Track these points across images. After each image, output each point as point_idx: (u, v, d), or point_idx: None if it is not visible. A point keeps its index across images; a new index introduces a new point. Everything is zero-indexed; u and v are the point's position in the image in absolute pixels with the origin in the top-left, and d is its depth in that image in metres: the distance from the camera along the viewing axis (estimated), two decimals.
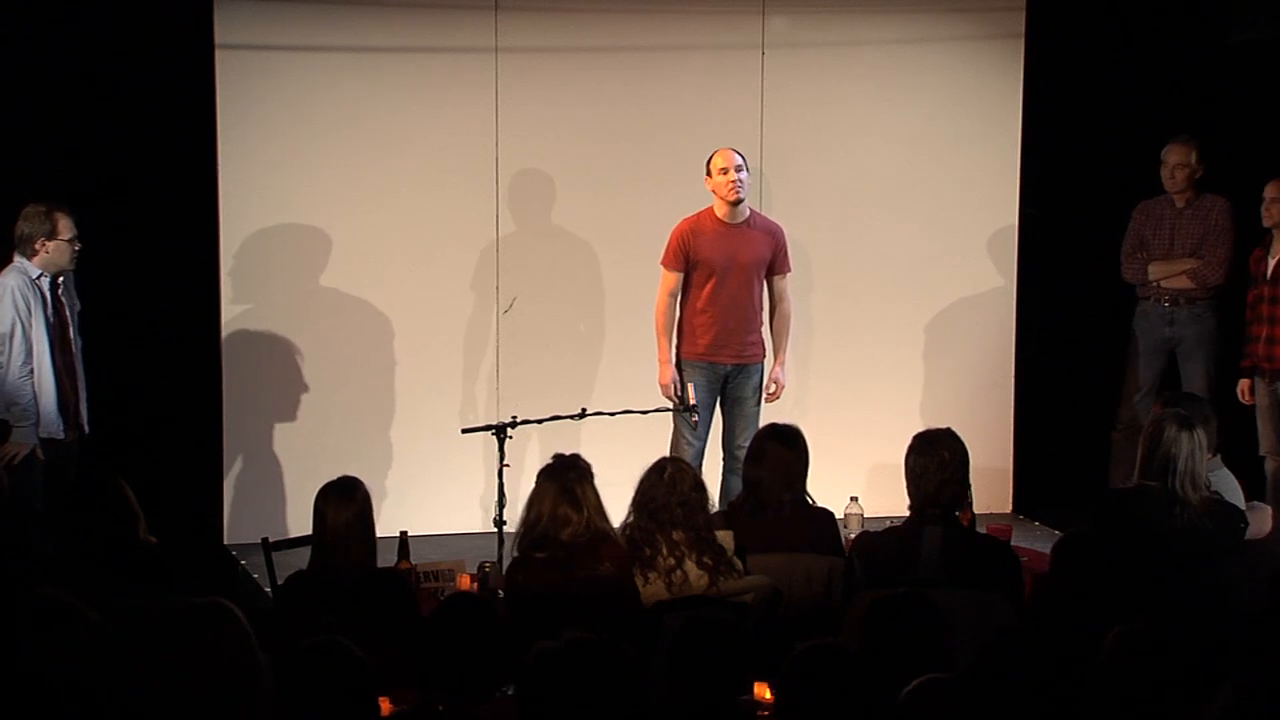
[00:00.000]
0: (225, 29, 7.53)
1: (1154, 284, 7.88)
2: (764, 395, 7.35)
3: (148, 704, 2.95)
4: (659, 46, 8.07)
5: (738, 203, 7.18)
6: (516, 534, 5.03)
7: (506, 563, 5.89)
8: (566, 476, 4.96)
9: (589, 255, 8.09)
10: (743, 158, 7.18)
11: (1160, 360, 7.93)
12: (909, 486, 5.18)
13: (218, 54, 7.52)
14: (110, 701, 3.08)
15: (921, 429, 5.42)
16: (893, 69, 8.29)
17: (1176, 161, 7.79)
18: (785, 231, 7.41)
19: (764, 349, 7.37)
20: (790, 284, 7.43)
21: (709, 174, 7.20)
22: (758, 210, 7.51)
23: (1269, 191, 7.35)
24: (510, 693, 3.85)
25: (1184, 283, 7.82)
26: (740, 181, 7.15)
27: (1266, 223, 7.38)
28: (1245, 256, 7.66)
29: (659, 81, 8.08)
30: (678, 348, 7.31)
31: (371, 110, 7.78)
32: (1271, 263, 7.39)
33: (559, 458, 5.07)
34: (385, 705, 3.98)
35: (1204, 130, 7.92)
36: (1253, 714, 3.21)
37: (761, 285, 7.33)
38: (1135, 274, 7.94)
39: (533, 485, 5.07)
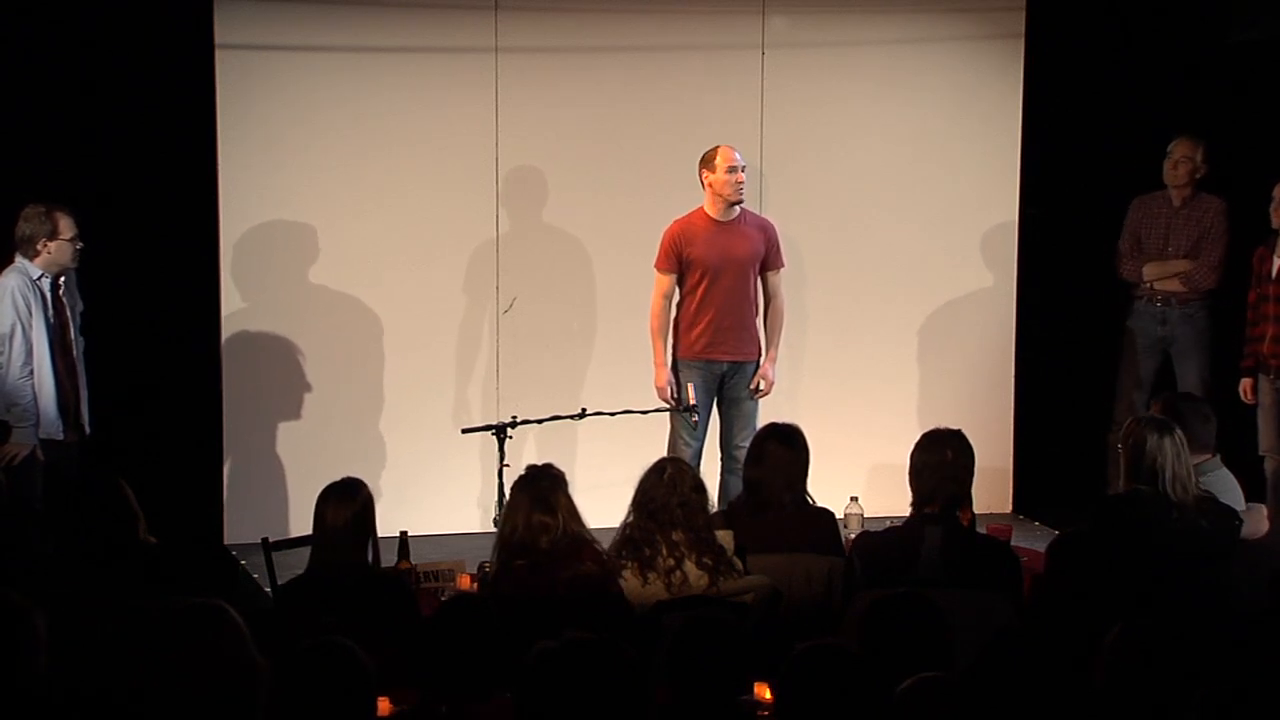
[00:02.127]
0: (225, 29, 7.53)
1: (1147, 284, 7.90)
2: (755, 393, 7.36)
3: (141, 704, 2.94)
4: (659, 46, 8.07)
5: (739, 202, 7.19)
6: (494, 547, 5.04)
7: None
8: (539, 485, 4.98)
9: (589, 255, 8.09)
10: (739, 156, 7.21)
11: (1154, 360, 7.95)
12: (912, 483, 5.19)
13: (218, 54, 7.52)
14: (103, 701, 3.08)
15: (921, 429, 5.42)
16: (893, 69, 8.29)
17: (1182, 155, 7.82)
18: (776, 227, 7.41)
19: (760, 347, 7.37)
20: (783, 280, 7.43)
21: (710, 169, 7.19)
22: (751, 209, 7.49)
23: (1277, 192, 7.33)
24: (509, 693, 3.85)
25: (1176, 285, 7.84)
26: (743, 183, 7.17)
27: (1276, 224, 7.36)
28: (1240, 257, 7.66)
29: (659, 81, 8.08)
30: (674, 348, 7.31)
31: (371, 110, 7.78)
32: (1277, 262, 7.38)
33: (531, 468, 5.10)
34: (385, 705, 3.98)
35: (1204, 130, 7.92)
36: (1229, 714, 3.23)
37: (756, 282, 7.32)
38: (1132, 273, 7.96)
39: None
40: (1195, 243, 7.82)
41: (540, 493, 4.96)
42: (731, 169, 7.15)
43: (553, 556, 4.86)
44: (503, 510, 5.06)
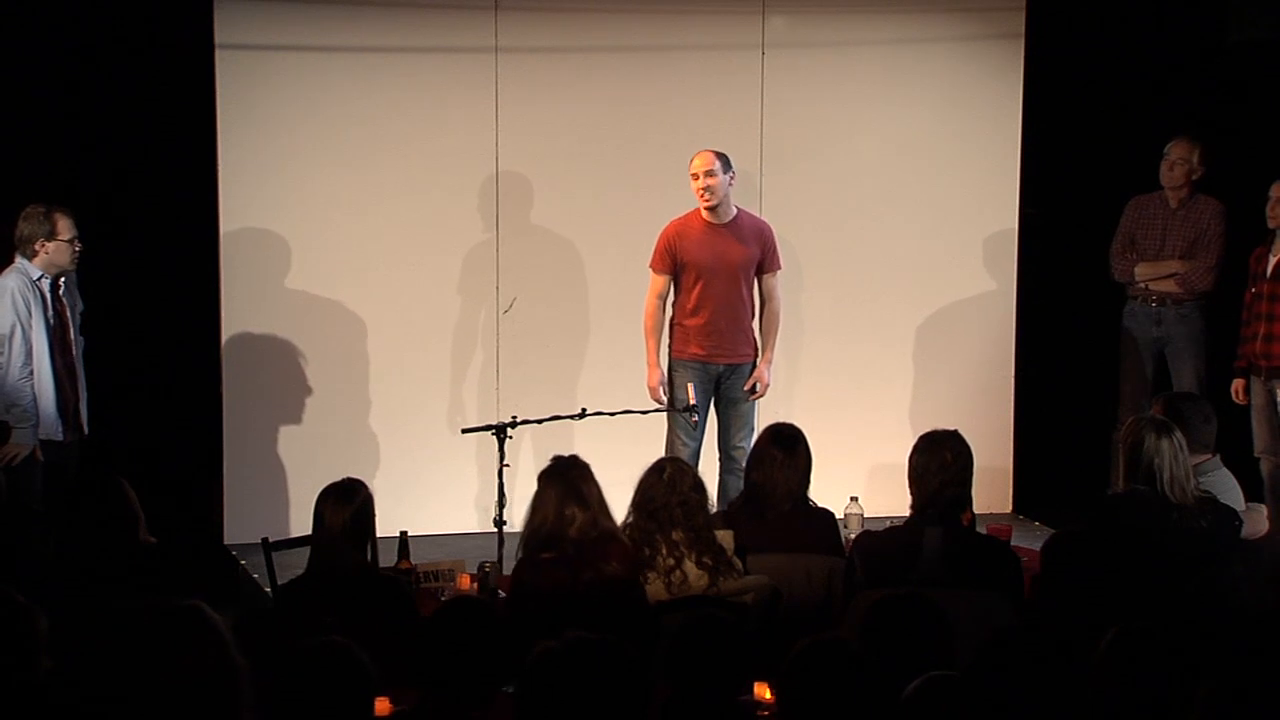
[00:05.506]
0: (225, 29, 7.53)
1: (1141, 285, 7.90)
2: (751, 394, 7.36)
3: (121, 706, 2.93)
4: (659, 46, 8.07)
5: (712, 208, 7.17)
6: (521, 537, 5.01)
7: (507, 563, 5.91)
8: (570, 475, 4.95)
9: (589, 255, 8.09)
10: (722, 160, 7.13)
11: (1150, 360, 7.94)
12: (911, 486, 5.19)
13: (218, 54, 7.52)
14: (89, 702, 3.07)
15: (922, 429, 5.42)
16: (893, 69, 8.29)
17: (1179, 156, 7.80)
18: (774, 229, 7.40)
19: (756, 349, 7.37)
20: (780, 282, 7.42)
21: None
22: (748, 210, 7.48)
23: (1274, 192, 7.33)
24: (510, 691, 3.85)
25: (1170, 286, 7.84)
26: (708, 189, 7.13)
27: (1271, 224, 7.35)
28: (1237, 257, 7.66)
29: (659, 82, 8.08)
30: (670, 349, 7.31)
31: (371, 110, 7.78)
32: (1272, 261, 7.37)
33: (558, 459, 5.06)
34: (385, 705, 3.98)
35: (1204, 130, 7.92)
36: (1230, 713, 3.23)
37: (751, 284, 7.31)
38: (1123, 273, 7.96)
39: (531, 486, 5.06)
40: (1191, 244, 7.82)
41: (572, 483, 4.91)
42: (695, 175, 7.15)
43: (580, 550, 4.83)
44: (532, 501, 4.97)
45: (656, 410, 7.12)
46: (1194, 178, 7.83)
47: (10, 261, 6.63)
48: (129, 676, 2.92)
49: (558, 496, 4.89)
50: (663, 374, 7.29)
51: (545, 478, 4.99)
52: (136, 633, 2.97)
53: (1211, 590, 5.07)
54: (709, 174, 7.11)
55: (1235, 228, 7.75)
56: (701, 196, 7.15)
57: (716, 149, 7.20)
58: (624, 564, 4.90)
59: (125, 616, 3.00)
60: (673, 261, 7.24)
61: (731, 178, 7.20)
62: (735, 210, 7.29)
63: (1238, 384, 7.53)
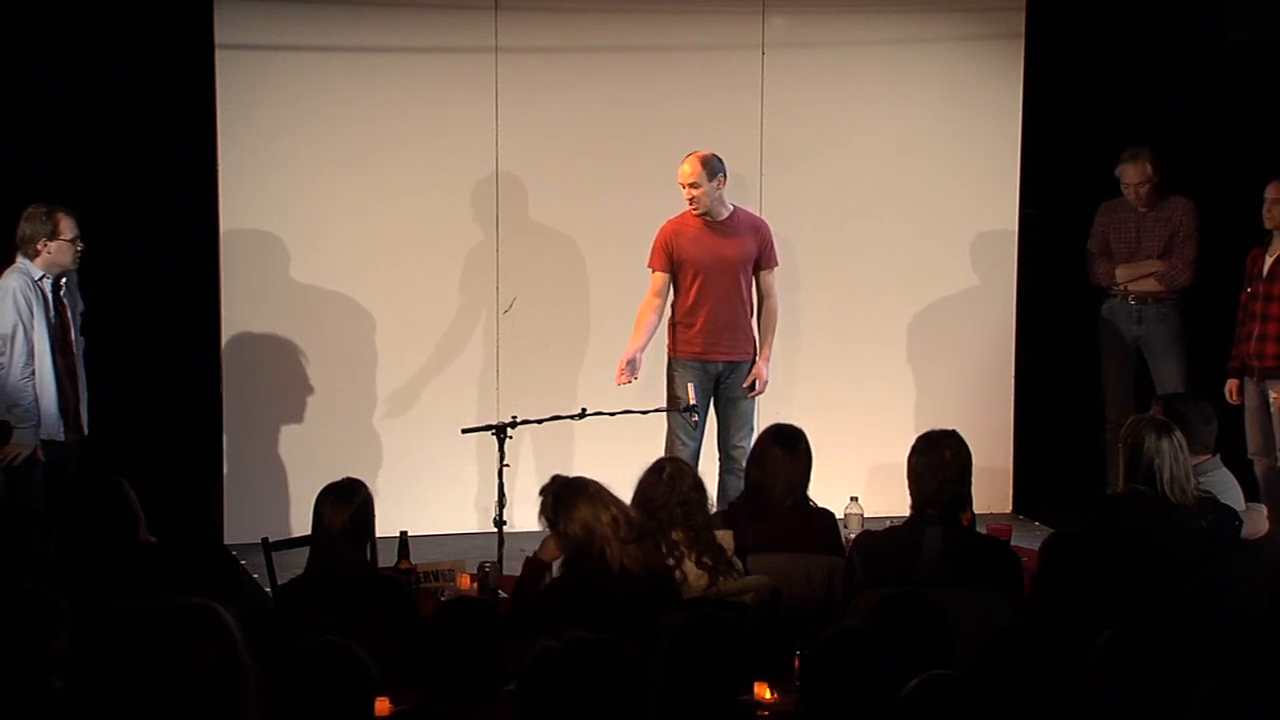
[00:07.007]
0: (225, 29, 7.53)
1: (1121, 286, 7.91)
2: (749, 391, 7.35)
3: (131, 705, 2.93)
4: (659, 46, 8.07)
5: (703, 214, 7.17)
6: (565, 559, 4.94)
7: (507, 563, 5.91)
8: (579, 485, 4.92)
9: (588, 255, 8.09)
10: (708, 168, 7.09)
11: (1130, 359, 7.96)
12: (911, 486, 5.19)
13: (218, 54, 7.52)
14: (96, 701, 3.08)
15: (922, 429, 5.43)
16: (893, 69, 8.29)
17: (1136, 180, 7.84)
18: (771, 227, 7.40)
19: (755, 346, 7.36)
20: (777, 279, 7.42)
21: None
22: (748, 208, 7.48)
23: (1270, 193, 7.34)
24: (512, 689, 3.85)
25: (1151, 285, 7.86)
26: (692, 199, 7.13)
27: (1268, 224, 7.36)
28: (1232, 257, 7.66)
29: (659, 82, 8.08)
30: (670, 348, 7.31)
31: (371, 110, 7.78)
32: (1268, 261, 7.38)
33: (556, 486, 4.97)
34: (385, 705, 3.98)
35: (1203, 130, 7.92)
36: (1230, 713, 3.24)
37: (749, 282, 7.31)
38: (1104, 277, 7.97)
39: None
40: (1166, 243, 7.85)
41: (586, 491, 4.88)
42: (681, 185, 7.15)
43: (634, 538, 4.83)
44: (561, 528, 4.90)
45: (656, 410, 7.12)
46: (1156, 184, 7.84)
47: (11, 261, 6.63)
48: (142, 675, 2.92)
49: (590, 508, 4.84)
50: (636, 355, 7.24)
51: (565, 500, 4.90)
52: (150, 632, 2.97)
53: (1211, 590, 5.07)
54: (693, 185, 7.12)
55: (1235, 228, 7.73)
56: (689, 205, 7.17)
57: (704, 152, 7.15)
58: (659, 563, 4.91)
59: (138, 616, 3.00)
60: (670, 259, 7.24)
61: (720, 181, 7.17)
62: (731, 207, 7.29)
63: (1231, 384, 7.52)
